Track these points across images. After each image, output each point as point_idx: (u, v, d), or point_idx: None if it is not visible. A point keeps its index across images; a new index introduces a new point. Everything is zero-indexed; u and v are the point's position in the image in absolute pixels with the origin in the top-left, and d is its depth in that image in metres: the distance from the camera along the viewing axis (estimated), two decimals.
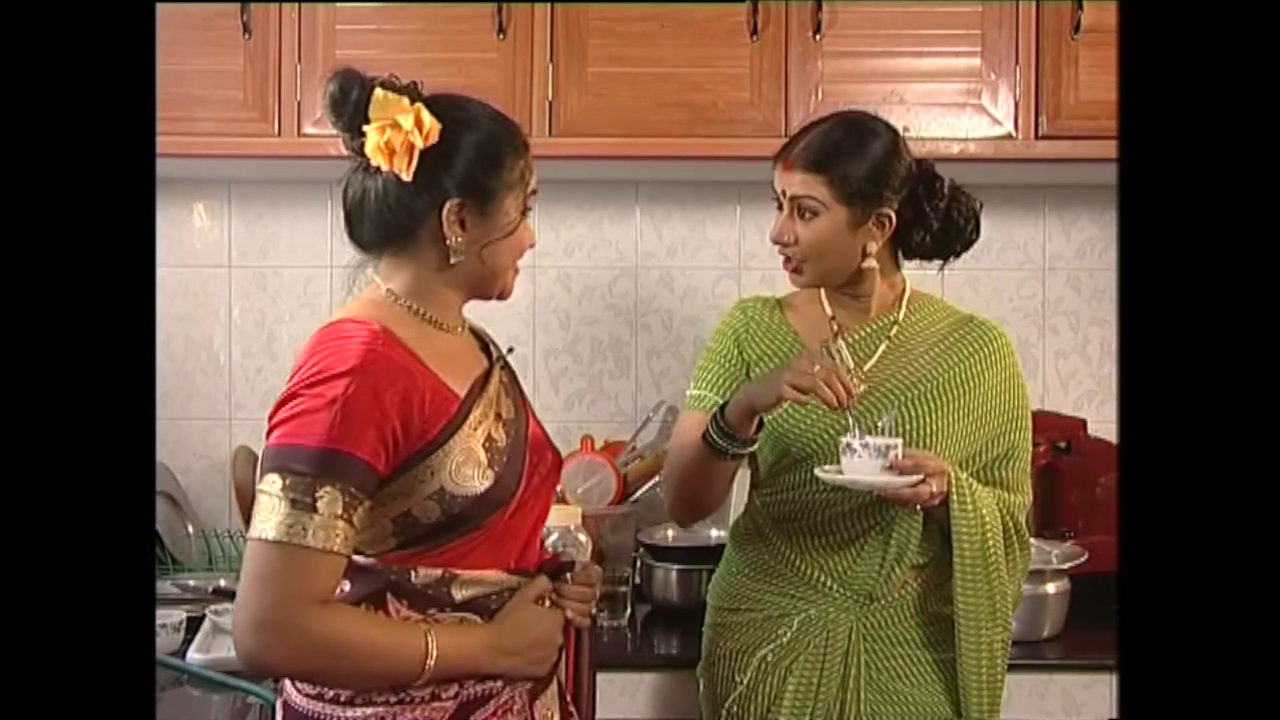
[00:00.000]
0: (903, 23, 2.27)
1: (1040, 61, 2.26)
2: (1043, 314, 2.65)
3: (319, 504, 1.26)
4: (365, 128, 1.37)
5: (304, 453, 1.27)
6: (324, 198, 2.58)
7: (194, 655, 1.95)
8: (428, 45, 2.26)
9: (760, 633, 1.81)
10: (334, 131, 1.43)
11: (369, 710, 1.35)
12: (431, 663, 1.33)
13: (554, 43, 2.26)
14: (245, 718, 1.79)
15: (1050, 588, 2.16)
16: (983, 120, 2.27)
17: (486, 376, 1.46)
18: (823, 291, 1.87)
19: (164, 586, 2.23)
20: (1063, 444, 2.41)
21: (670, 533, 2.48)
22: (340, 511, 1.27)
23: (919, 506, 1.70)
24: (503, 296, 1.51)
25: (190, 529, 2.46)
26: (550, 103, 2.26)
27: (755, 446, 1.75)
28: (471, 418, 1.39)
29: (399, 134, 1.36)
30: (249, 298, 2.65)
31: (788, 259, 1.81)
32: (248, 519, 1.34)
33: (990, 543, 1.73)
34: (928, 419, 1.78)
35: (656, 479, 2.50)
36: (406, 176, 1.37)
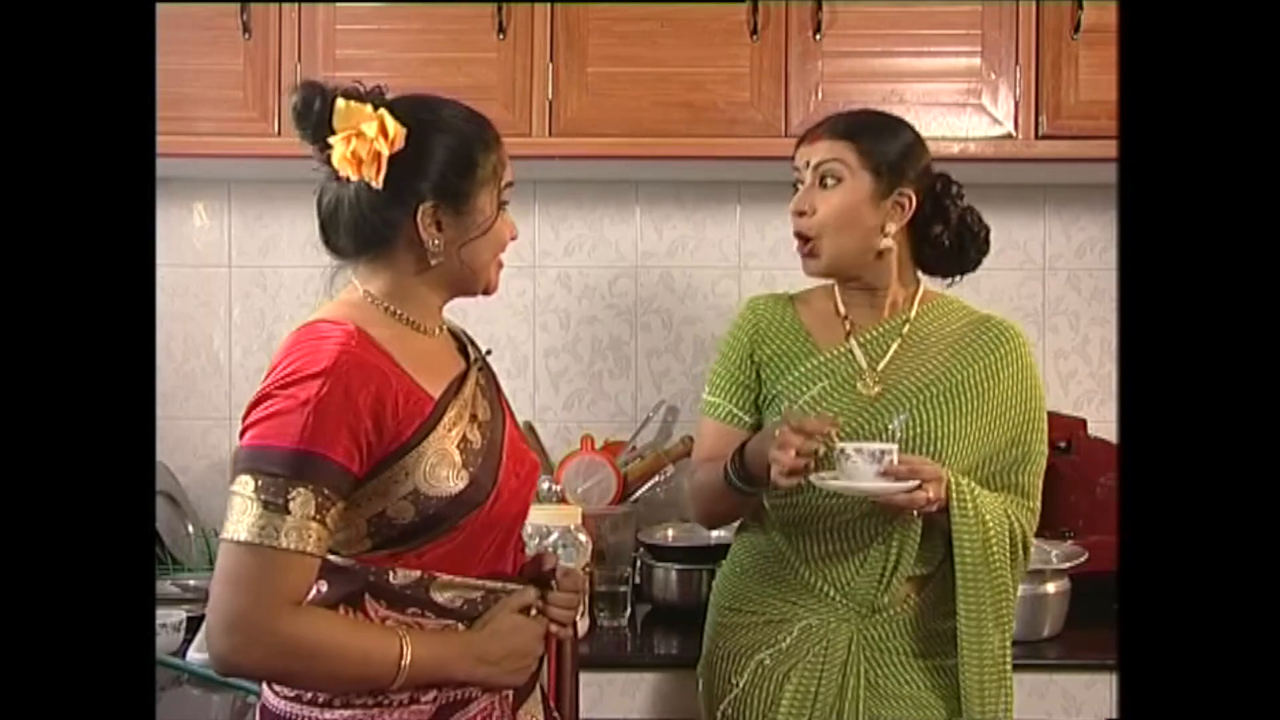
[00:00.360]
0: (903, 23, 2.27)
1: (1040, 61, 2.26)
2: (1043, 314, 2.66)
3: (291, 505, 1.25)
4: (330, 139, 1.37)
5: (277, 454, 1.27)
6: None
7: (194, 655, 1.95)
8: (428, 45, 2.27)
9: (760, 636, 1.80)
10: None
11: (346, 713, 1.35)
12: (405, 667, 1.32)
13: (554, 43, 2.26)
14: (245, 718, 1.79)
15: (1050, 587, 2.16)
16: (983, 120, 2.27)
17: (463, 378, 1.45)
18: (836, 288, 1.85)
19: (164, 586, 2.24)
20: (1063, 444, 2.40)
21: (670, 533, 2.48)
22: (313, 513, 1.26)
23: (916, 513, 1.69)
24: (487, 292, 1.49)
25: (190, 529, 2.47)
26: (550, 103, 2.26)
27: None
28: (446, 419, 1.38)
29: (364, 143, 1.35)
30: (249, 298, 2.65)
31: (804, 240, 1.78)
32: None
33: (994, 548, 1.71)
34: (941, 421, 1.75)
35: (657, 479, 2.50)
36: (377, 184, 1.36)
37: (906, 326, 1.81)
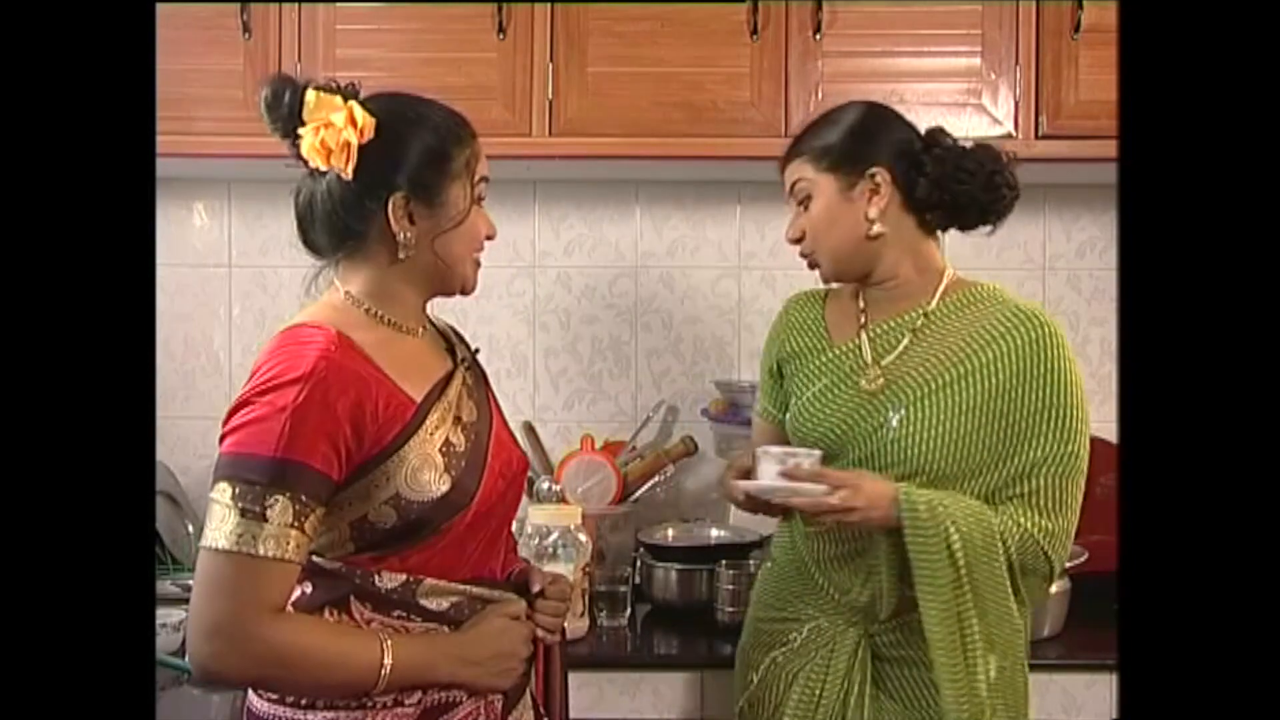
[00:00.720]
0: (903, 23, 2.27)
1: (1040, 61, 2.26)
2: None
3: (269, 513, 1.25)
4: (300, 130, 1.37)
5: (255, 462, 1.26)
6: None
7: None
8: (428, 45, 2.27)
9: (777, 633, 1.81)
10: None
11: (330, 715, 1.34)
12: (387, 671, 1.31)
13: (554, 43, 2.27)
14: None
15: (1050, 588, 2.15)
16: (983, 120, 2.27)
17: (448, 380, 1.44)
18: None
19: (164, 586, 2.23)
20: None
21: (670, 533, 2.48)
22: (291, 520, 1.26)
23: (834, 520, 1.64)
24: (465, 291, 1.48)
25: (190, 529, 2.46)
26: (550, 103, 2.26)
27: None
28: (428, 423, 1.37)
29: (333, 132, 1.35)
30: (249, 297, 2.65)
31: (805, 257, 1.80)
32: None
33: (969, 566, 1.60)
34: (941, 418, 1.67)
35: (657, 479, 2.51)
36: (348, 175, 1.36)
37: (921, 321, 1.75)
